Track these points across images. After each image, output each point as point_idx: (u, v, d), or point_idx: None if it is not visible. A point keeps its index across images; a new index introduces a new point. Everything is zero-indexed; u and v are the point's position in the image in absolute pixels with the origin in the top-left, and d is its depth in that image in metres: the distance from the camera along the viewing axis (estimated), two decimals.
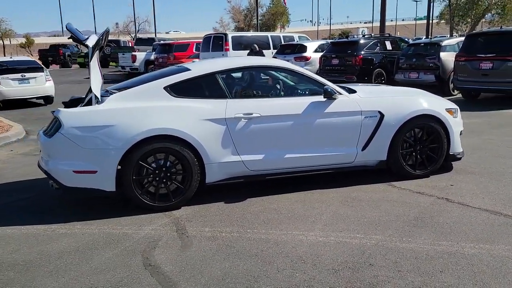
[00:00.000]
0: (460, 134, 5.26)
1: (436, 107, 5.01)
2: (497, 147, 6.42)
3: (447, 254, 3.23)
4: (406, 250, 3.32)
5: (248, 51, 14.54)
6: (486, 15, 28.88)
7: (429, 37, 23.42)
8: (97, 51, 4.44)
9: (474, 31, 13.50)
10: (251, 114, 4.46)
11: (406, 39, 17.00)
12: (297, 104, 4.63)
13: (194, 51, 22.39)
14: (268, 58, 5.23)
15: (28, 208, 4.57)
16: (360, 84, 7.05)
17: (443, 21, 39.03)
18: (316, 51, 15.76)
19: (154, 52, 23.83)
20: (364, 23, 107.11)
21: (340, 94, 4.76)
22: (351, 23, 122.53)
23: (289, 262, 3.20)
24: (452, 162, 5.35)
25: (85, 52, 39.49)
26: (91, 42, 4.29)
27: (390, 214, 4.05)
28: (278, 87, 4.93)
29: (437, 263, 3.10)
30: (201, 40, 22.61)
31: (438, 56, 12.32)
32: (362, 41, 14.08)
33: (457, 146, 5.17)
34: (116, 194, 4.25)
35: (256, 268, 3.13)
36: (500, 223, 3.76)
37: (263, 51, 16.21)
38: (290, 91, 4.91)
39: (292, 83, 5.01)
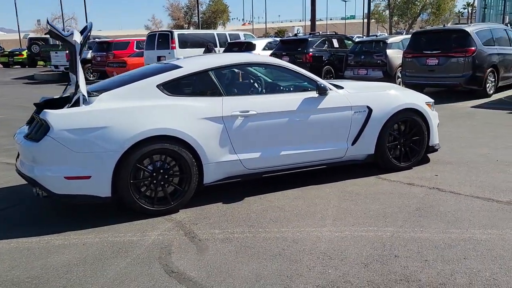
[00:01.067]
0: (437, 126, 5.51)
1: (417, 101, 5.21)
2: (459, 138, 6.80)
3: (462, 241, 3.36)
4: (423, 240, 3.42)
5: (203, 49, 14.37)
6: (422, 14, 30.62)
7: (377, 34, 24.29)
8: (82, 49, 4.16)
9: (419, 29, 14.23)
10: (248, 111, 4.38)
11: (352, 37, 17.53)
12: (291, 101, 4.61)
13: (134, 49, 21.72)
14: (259, 55, 5.15)
15: (8, 220, 4.18)
16: (344, 80, 7.18)
17: (373, 20, 40.81)
18: (264, 49, 15.84)
19: (90, 51, 22.79)
20: (291, 21, 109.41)
21: (331, 90, 4.81)
22: (282, 22, 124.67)
23: (315, 259, 3.18)
24: (427, 154, 5.58)
25: (8, 51, 37.04)
26: (77, 38, 4.00)
27: (391, 206, 4.14)
28: (271, 83, 4.89)
29: (457, 251, 3.21)
30: (141, 38, 22.01)
31: (385, 53, 12.85)
32: (311, 39, 14.35)
33: (435, 138, 5.40)
34: (112, 200, 4.00)
35: (286, 267, 3.08)
36: (496, 208, 3.98)
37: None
38: (283, 88, 4.88)
39: (284, 80, 4.98)
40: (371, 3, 30.04)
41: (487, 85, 10.97)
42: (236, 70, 4.78)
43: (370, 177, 5.02)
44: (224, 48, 16.73)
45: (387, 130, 5.02)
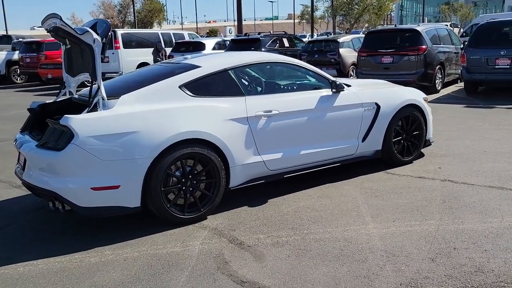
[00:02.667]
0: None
1: (417, 97, 5.38)
2: (437, 132, 7.10)
3: (506, 230, 3.50)
4: (470, 230, 3.52)
5: (148, 49, 13.86)
6: (364, 15, 31.84)
7: (327, 34, 24.72)
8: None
9: (372, 29, 14.76)
10: (271, 111, 4.28)
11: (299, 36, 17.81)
12: (309, 99, 4.56)
13: None
14: (274, 54, 5.04)
15: (15, 240, 3.74)
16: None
17: (303, 20, 41.95)
18: (214, 48, 15.64)
19: (17, 52, 21.20)
20: (216, 21, 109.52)
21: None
22: (206, 22, 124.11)
23: (380, 257, 3.16)
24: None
25: None
26: (97, 37, 3.65)
27: (417, 199, 4.23)
28: (288, 82, 4.81)
29: (508, 239, 3.34)
30: None
31: (338, 52, 13.22)
32: (263, 39, 14.40)
33: (431, 132, 5.62)
34: (141, 210, 3.71)
35: (356, 268, 3.03)
36: None
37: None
38: (299, 86, 4.81)
39: (298, 78, 4.92)
40: (314, 4, 30.68)
41: (436, 81, 11.65)
42: (253, 69, 4.63)
43: (378, 172, 5.11)
44: (171, 48, 16.29)
45: (392, 126, 5.13)
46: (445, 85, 12.53)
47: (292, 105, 4.42)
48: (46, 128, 4.32)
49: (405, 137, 5.33)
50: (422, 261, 3.08)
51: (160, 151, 3.64)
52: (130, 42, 16.34)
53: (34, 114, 4.37)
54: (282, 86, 4.75)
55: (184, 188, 3.84)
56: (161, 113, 3.76)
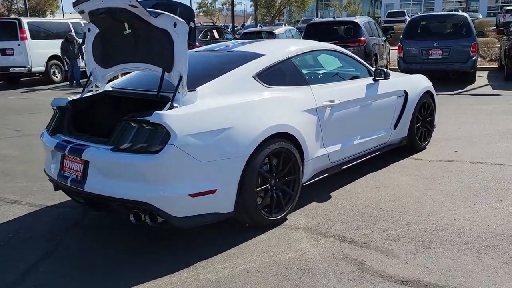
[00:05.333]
0: None
1: (430, 84, 5.56)
2: None
3: None
4: None
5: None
6: (286, 8, 32.05)
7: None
8: None
9: (313, 21, 14.95)
10: (334, 101, 4.07)
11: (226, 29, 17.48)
12: (359, 87, 4.45)
13: None
14: (324, 43, 4.79)
15: (82, 262, 3.09)
16: None
17: (201, 13, 41.47)
18: None
19: None
20: None
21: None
22: None
23: (506, 242, 3.17)
24: None
25: None
26: (178, 20, 3.10)
27: (471, 182, 4.36)
28: (336, 71, 4.62)
29: None
30: None
31: None
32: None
33: (436, 117, 5.85)
34: (233, 216, 3.29)
35: (497, 255, 2.99)
36: None
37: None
38: (345, 75, 4.64)
39: (343, 66, 4.75)
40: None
41: None
42: (309, 57, 4.36)
43: (406, 159, 5.17)
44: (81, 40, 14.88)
45: (416, 113, 5.23)
46: None
47: (349, 94, 4.27)
48: (81, 127, 3.66)
49: (422, 123, 5.48)
50: None
51: (254, 148, 3.25)
52: (39, 33, 14.65)
53: (67, 112, 3.63)
54: (334, 75, 4.58)
55: (269, 187, 3.49)
56: (247, 106, 3.35)
